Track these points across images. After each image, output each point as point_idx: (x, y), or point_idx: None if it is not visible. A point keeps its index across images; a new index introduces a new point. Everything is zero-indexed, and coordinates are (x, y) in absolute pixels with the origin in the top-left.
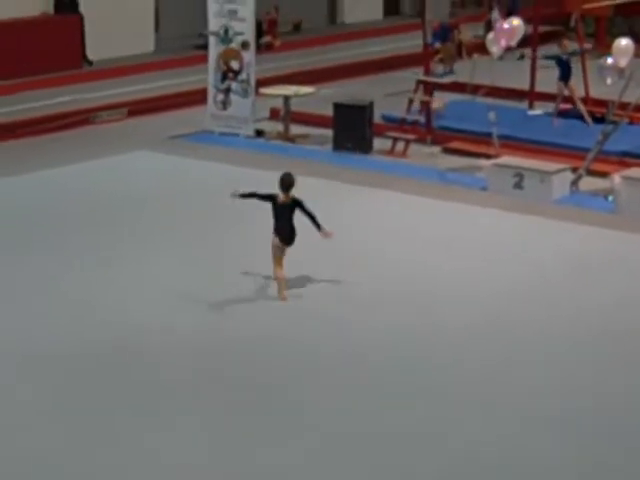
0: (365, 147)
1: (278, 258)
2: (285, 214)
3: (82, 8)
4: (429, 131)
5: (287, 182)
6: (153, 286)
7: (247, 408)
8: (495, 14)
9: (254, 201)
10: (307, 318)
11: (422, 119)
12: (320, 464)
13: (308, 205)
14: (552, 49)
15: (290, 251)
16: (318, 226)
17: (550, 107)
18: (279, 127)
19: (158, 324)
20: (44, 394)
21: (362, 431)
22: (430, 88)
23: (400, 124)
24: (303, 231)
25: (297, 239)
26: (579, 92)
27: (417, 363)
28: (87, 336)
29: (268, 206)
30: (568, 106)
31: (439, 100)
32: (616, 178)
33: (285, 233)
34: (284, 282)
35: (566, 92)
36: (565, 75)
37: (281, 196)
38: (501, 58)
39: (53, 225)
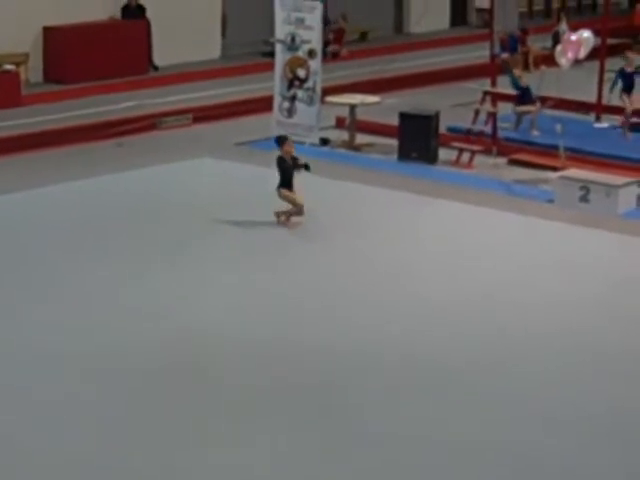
0: (430, 157)
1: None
2: (290, 168)
3: (149, 14)
4: (495, 142)
5: (282, 137)
6: (212, 294)
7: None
8: (563, 26)
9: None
10: (369, 327)
11: (488, 130)
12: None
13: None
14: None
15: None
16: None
17: (617, 120)
18: (344, 136)
19: (218, 331)
20: (107, 401)
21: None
22: (496, 99)
23: (466, 135)
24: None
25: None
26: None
27: (482, 366)
28: (150, 344)
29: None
30: (637, 120)
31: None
32: None
33: (290, 182)
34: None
35: (629, 103)
36: (629, 87)
37: (284, 153)
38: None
39: (109, 230)
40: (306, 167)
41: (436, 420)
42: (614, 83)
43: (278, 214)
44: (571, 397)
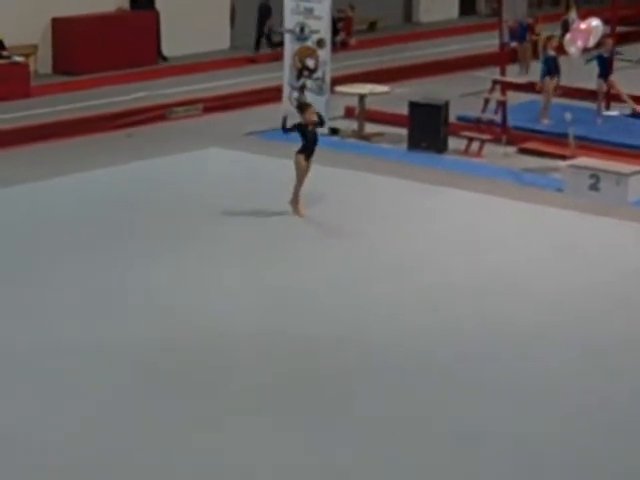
0: (440, 146)
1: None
2: (311, 135)
3: (158, 4)
4: (504, 131)
5: (304, 104)
6: (220, 285)
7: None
8: (572, 14)
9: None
10: (380, 319)
11: (498, 119)
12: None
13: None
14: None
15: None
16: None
17: (626, 108)
18: (354, 125)
19: (227, 323)
20: (109, 393)
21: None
22: (506, 88)
23: (475, 124)
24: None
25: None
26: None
27: (489, 357)
28: (153, 336)
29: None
30: None
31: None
32: None
33: (311, 151)
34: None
35: (605, 88)
36: (605, 72)
37: (305, 120)
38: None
39: (118, 221)
40: (321, 123)
41: (439, 411)
42: (591, 59)
43: (291, 203)
44: (580, 387)
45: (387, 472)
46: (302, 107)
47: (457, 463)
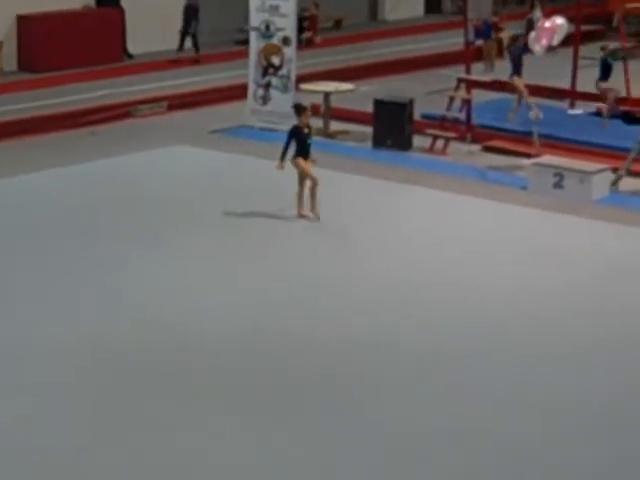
0: (405, 144)
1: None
2: (306, 138)
3: (123, 2)
4: (469, 129)
5: (301, 107)
6: (194, 283)
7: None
8: (537, 13)
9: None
10: (351, 314)
11: (462, 117)
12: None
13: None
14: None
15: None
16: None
17: (591, 107)
18: (319, 123)
19: (198, 325)
20: (96, 392)
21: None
22: (471, 86)
23: (440, 122)
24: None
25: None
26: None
27: (451, 359)
28: (135, 335)
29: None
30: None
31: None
32: None
33: (307, 152)
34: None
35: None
36: (605, 76)
37: (300, 123)
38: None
39: (83, 220)
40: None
41: (433, 412)
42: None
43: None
44: (557, 387)
45: (371, 472)
46: (299, 109)
47: (440, 462)
